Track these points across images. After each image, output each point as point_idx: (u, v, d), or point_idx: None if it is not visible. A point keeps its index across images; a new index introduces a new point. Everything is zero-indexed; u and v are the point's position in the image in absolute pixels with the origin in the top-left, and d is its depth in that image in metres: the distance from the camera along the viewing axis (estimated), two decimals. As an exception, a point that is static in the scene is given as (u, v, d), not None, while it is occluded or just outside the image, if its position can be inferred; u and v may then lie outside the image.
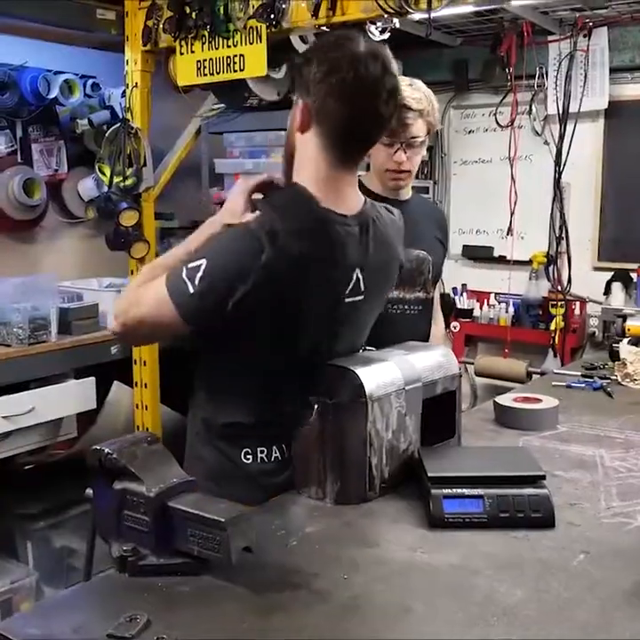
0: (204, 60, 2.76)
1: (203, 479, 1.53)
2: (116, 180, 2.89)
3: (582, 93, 3.17)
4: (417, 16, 2.38)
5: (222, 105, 3.12)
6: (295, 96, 1.71)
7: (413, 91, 2.31)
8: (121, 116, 3.16)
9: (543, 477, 1.57)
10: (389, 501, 1.64)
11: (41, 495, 3.01)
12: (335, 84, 1.56)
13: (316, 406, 1.61)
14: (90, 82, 3.17)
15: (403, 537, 1.49)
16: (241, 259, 1.56)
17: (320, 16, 2.46)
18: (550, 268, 3.40)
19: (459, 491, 1.53)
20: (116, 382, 3.07)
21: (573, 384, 2.64)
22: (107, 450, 1.40)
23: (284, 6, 2.50)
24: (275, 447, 1.70)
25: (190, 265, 1.58)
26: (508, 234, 3.36)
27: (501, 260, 3.57)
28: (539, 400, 2.24)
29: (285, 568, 1.37)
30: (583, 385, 2.62)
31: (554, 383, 2.66)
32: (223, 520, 1.28)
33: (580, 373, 2.78)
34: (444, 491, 1.53)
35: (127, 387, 3.11)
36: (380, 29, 2.52)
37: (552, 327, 3.32)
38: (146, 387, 3.08)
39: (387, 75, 1.58)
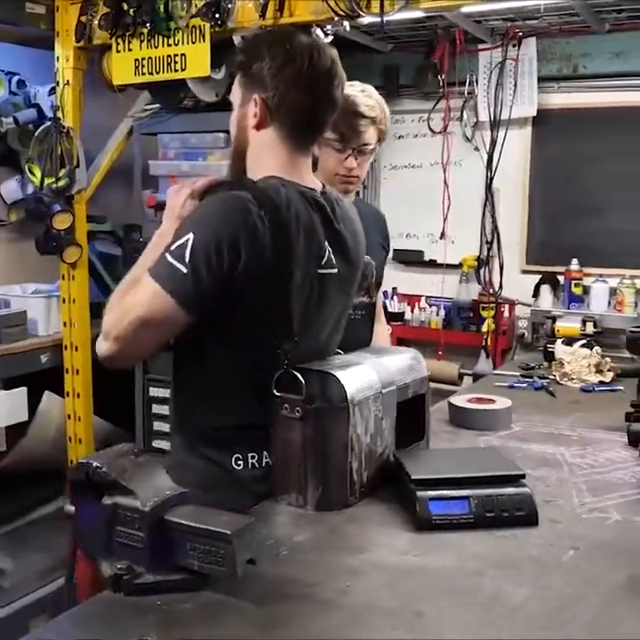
0: (143, 59, 2.68)
1: (190, 487, 1.47)
2: (47, 181, 2.76)
3: (512, 101, 3.26)
4: (367, 20, 2.39)
5: (156, 105, 3.04)
6: (240, 96, 1.72)
7: (366, 97, 2.31)
8: (48, 115, 3.04)
9: (523, 476, 1.59)
10: (369, 506, 1.63)
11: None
12: (293, 75, 1.63)
13: (297, 412, 1.58)
14: (15, 79, 3.02)
15: (392, 541, 1.48)
16: (230, 223, 1.55)
17: (267, 17, 2.43)
18: (481, 272, 3.48)
19: (444, 492, 1.54)
20: (47, 392, 2.93)
21: (515, 384, 2.71)
22: (95, 463, 1.33)
23: (229, 6, 2.46)
24: (265, 452, 1.66)
25: (174, 246, 1.55)
26: (441, 238, 3.41)
27: (431, 263, 3.63)
28: (492, 401, 2.29)
29: (284, 579, 1.34)
30: (525, 385, 2.70)
31: (496, 384, 2.72)
32: (229, 532, 1.24)
33: (518, 374, 2.86)
34: (429, 493, 1.53)
35: (58, 397, 2.98)
36: (325, 32, 2.51)
37: (484, 329, 3.40)
38: (79, 396, 2.95)
39: (334, 63, 1.67)
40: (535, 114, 3.30)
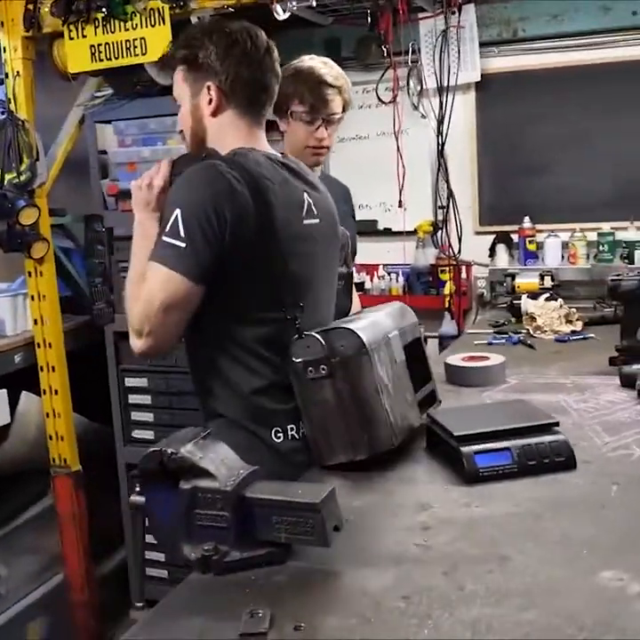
0: (99, 45, 2.62)
1: None
2: (8, 176, 2.68)
3: (457, 68, 3.34)
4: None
5: (107, 92, 2.98)
6: (189, 89, 1.78)
7: (330, 68, 2.39)
8: (-1, 109, 2.95)
9: (557, 424, 1.68)
10: (412, 466, 1.71)
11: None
12: (240, 54, 1.74)
13: (322, 370, 1.62)
14: (-42, 72, 2.90)
15: (448, 496, 1.55)
16: (209, 188, 1.63)
17: (231, -5, 2.42)
18: (437, 236, 3.57)
19: (487, 445, 1.61)
20: (24, 392, 2.87)
21: (494, 341, 2.81)
22: (170, 450, 1.34)
23: (190, -14, 2.44)
24: (302, 423, 1.72)
25: (167, 227, 1.61)
26: (399, 206, 3.48)
27: (386, 232, 3.70)
28: (485, 358, 2.38)
29: (361, 542, 1.39)
30: (503, 341, 2.80)
31: (476, 342, 2.82)
32: (317, 502, 1.28)
33: (492, 331, 2.97)
34: (473, 447, 1.61)
35: (35, 396, 2.91)
36: (285, 9, 2.53)
37: (446, 292, 3.49)
38: (56, 393, 2.90)
39: (269, 41, 1.81)
40: (479, 79, 3.39)
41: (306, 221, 1.79)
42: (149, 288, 1.62)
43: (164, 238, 1.61)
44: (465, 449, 1.60)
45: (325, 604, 1.21)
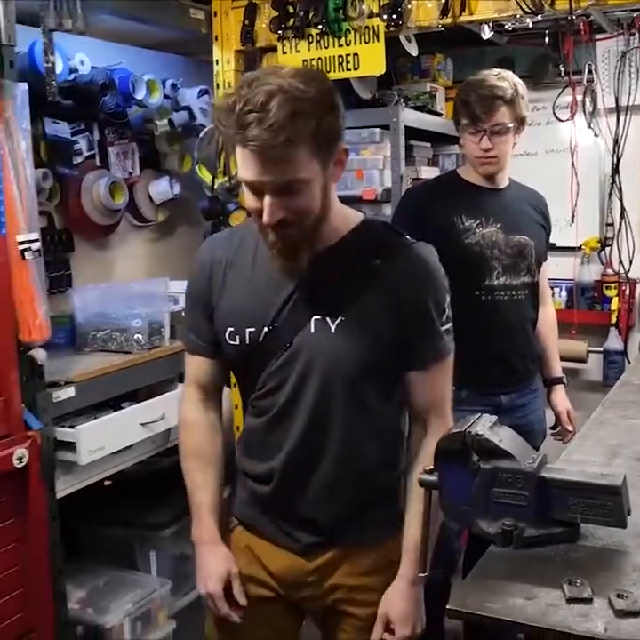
0: (311, 59, 2.79)
1: None
2: (219, 180, 2.87)
3: (636, 88, 3.42)
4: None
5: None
6: (319, 163, 1.44)
7: (498, 80, 2.47)
8: (198, 117, 3.15)
9: None
10: None
11: (150, 504, 2.95)
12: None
13: None
14: (169, 82, 3.11)
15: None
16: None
17: (448, 15, 2.54)
18: (604, 252, 3.64)
19: None
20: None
21: (686, 360, 2.86)
22: (474, 431, 1.45)
23: (409, 6, 2.57)
24: None
25: (444, 317, 1.65)
26: (571, 222, 3.55)
27: (551, 247, 3.77)
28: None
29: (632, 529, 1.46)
30: (695, 359, 2.85)
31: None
32: (619, 485, 1.37)
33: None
34: None
35: (226, 388, 3.07)
36: (497, 30, 2.64)
37: (613, 307, 3.54)
38: (243, 387, 3.05)
39: None
40: (656, 100, 3.46)
41: None
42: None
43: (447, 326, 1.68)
44: None
45: (634, 578, 1.31)
